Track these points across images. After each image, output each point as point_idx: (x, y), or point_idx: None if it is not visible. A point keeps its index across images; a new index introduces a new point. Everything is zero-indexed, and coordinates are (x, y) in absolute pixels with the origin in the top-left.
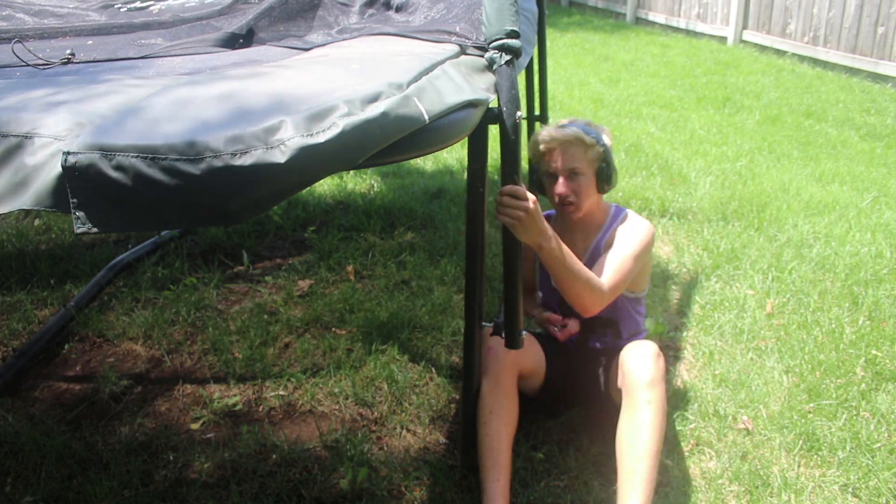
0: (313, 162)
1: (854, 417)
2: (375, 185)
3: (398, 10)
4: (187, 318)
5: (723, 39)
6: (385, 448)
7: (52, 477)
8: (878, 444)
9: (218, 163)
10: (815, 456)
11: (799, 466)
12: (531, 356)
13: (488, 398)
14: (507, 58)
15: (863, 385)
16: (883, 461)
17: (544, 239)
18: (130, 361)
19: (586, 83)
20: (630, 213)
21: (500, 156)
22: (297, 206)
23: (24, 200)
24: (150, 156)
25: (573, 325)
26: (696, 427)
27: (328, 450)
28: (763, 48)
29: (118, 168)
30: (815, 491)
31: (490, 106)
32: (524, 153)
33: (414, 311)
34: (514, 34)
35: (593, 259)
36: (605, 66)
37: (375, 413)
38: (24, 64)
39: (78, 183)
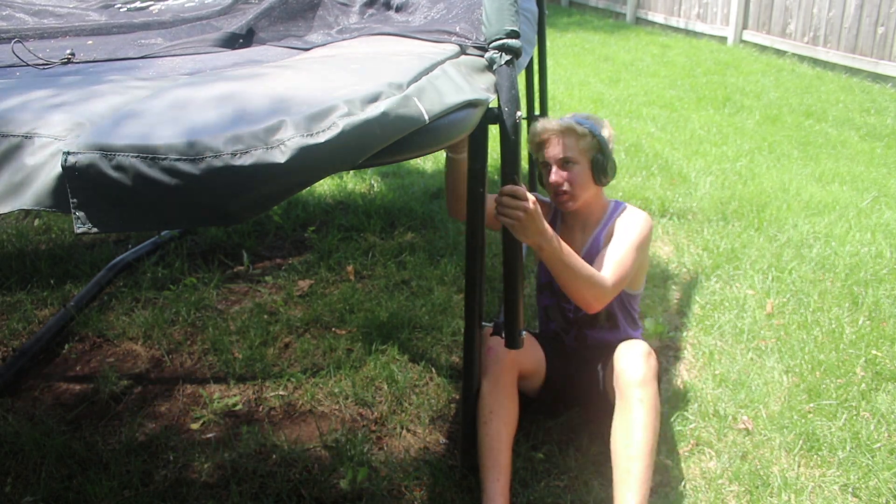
0: (313, 162)
1: (854, 417)
2: (375, 185)
3: (398, 10)
4: (187, 318)
5: (723, 39)
6: (385, 448)
7: (52, 477)
8: (878, 444)
9: (218, 163)
10: (815, 456)
11: (799, 466)
12: (531, 356)
13: (488, 398)
14: (507, 58)
15: (863, 385)
16: (883, 461)
17: (544, 239)
18: (130, 361)
19: (586, 83)
20: (628, 206)
21: (500, 156)
22: (297, 206)
23: (24, 200)
24: (150, 156)
25: None
26: (696, 427)
27: (328, 450)
28: (763, 48)
29: (118, 168)
30: (815, 491)
31: (490, 106)
32: (524, 153)
33: (414, 311)
34: (514, 34)
35: (592, 253)
36: (605, 66)
37: (375, 413)
38: (24, 64)
39: (78, 183)
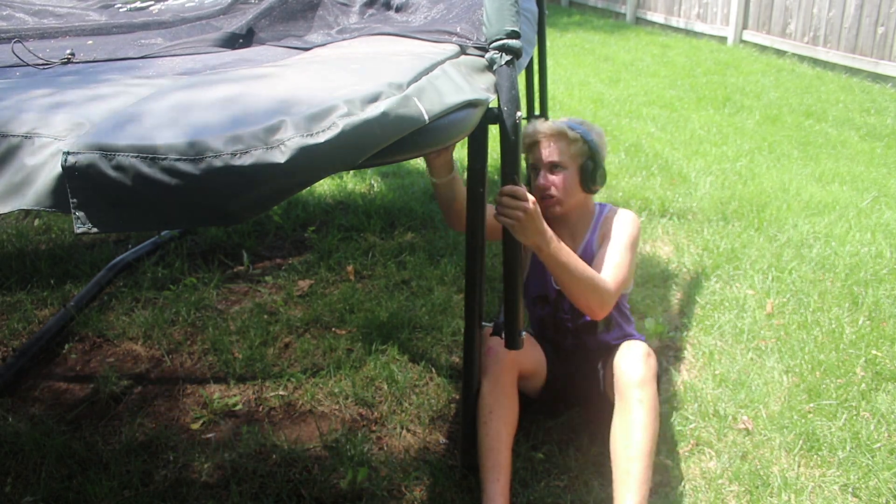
0: (313, 162)
1: (854, 417)
2: (375, 185)
3: (398, 10)
4: (187, 318)
5: (723, 39)
6: (385, 448)
7: (52, 477)
8: (878, 444)
9: (218, 163)
10: (815, 456)
11: (799, 466)
12: (531, 356)
13: (488, 398)
14: (508, 58)
15: (863, 385)
16: (883, 461)
17: (544, 240)
18: (130, 361)
19: (586, 83)
20: (612, 207)
21: (500, 156)
22: (297, 206)
23: (24, 200)
24: (150, 156)
25: None
26: (696, 427)
27: (328, 450)
28: (763, 48)
29: (118, 168)
30: (815, 491)
31: (490, 106)
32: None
33: (414, 311)
34: (514, 34)
35: (587, 258)
36: (605, 66)
37: (375, 413)
38: (24, 64)
39: (78, 183)
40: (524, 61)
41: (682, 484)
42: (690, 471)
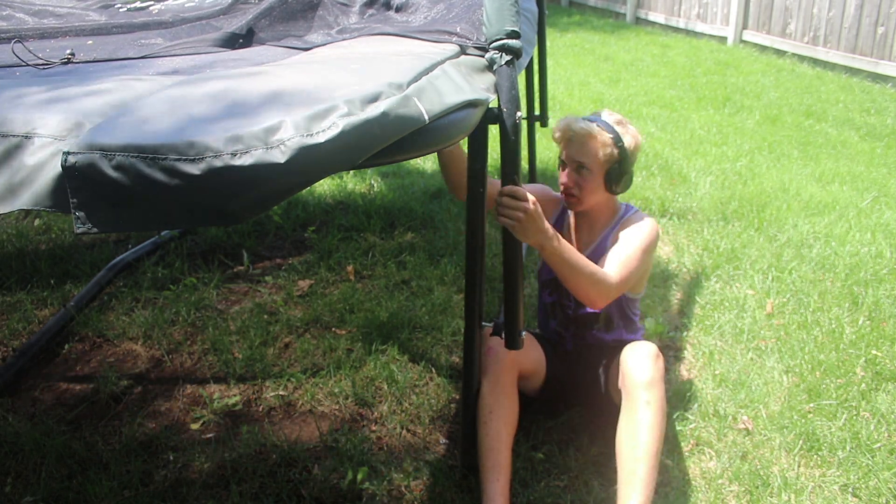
0: (313, 162)
1: (854, 417)
2: (375, 185)
3: (398, 10)
4: (187, 318)
5: (723, 39)
6: (385, 448)
7: (52, 477)
8: (878, 444)
9: (218, 163)
10: (815, 456)
11: (799, 466)
12: (531, 356)
13: (488, 398)
14: (508, 58)
15: (863, 385)
16: (883, 461)
17: (545, 239)
18: (130, 361)
19: (586, 83)
20: (637, 210)
21: (500, 156)
22: (297, 206)
23: (24, 200)
24: (150, 156)
25: None
26: (696, 427)
27: (328, 450)
28: (763, 48)
29: (118, 168)
30: (815, 491)
31: (490, 106)
32: (524, 153)
33: (414, 311)
34: (514, 34)
35: (599, 253)
36: (605, 66)
37: (375, 413)
38: (24, 64)
39: (78, 183)
40: (524, 61)
41: (682, 484)
42: (690, 471)
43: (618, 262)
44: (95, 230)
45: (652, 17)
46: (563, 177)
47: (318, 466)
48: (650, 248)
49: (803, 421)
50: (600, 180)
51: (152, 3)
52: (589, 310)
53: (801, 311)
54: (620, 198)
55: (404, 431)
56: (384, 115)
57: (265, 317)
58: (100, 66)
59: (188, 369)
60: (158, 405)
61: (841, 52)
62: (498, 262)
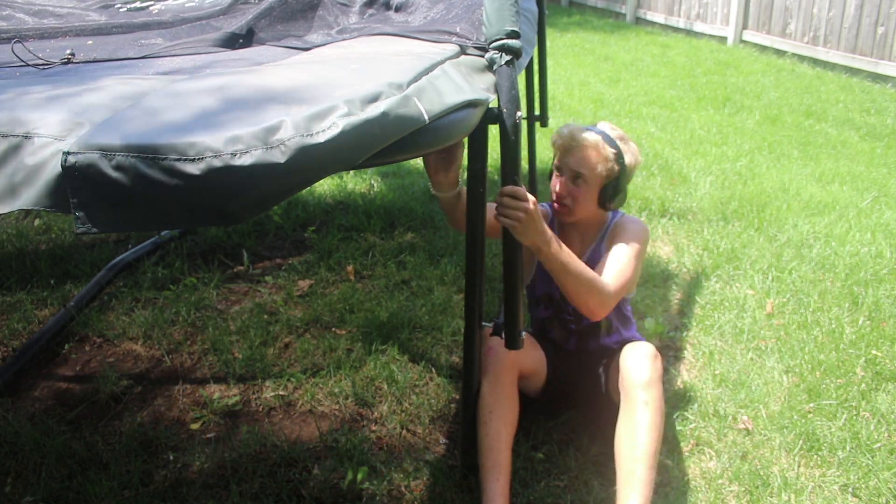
0: (313, 162)
1: (854, 417)
2: (375, 185)
3: (398, 10)
4: (187, 318)
5: (723, 39)
6: (385, 448)
7: (52, 477)
8: (878, 444)
9: (218, 163)
10: (815, 456)
11: (799, 466)
12: (531, 356)
13: (488, 398)
14: (508, 58)
15: (863, 385)
16: (883, 461)
17: (544, 241)
18: (130, 361)
19: (586, 83)
20: (624, 214)
21: (500, 156)
22: (297, 206)
23: (24, 200)
24: (150, 156)
25: None
26: (696, 427)
27: (328, 450)
28: (763, 48)
29: (118, 168)
30: (815, 491)
31: (490, 106)
32: (524, 153)
33: (414, 311)
34: (514, 34)
35: (594, 262)
36: (605, 66)
37: (375, 413)
38: (24, 64)
39: (78, 183)
40: (524, 61)
41: (682, 484)
42: (690, 471)
43: (614, 271)
44: (95, 230)
45: (652, 17)
46: (556, 184)
47: (318, 466)
48: (642, 252)
49: (803, 421)
50: (595, 194)
51: (152, 3)
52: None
53: (801, 311)
54: None
55: (404, 431)
56: (384, 115)
57: (265, 317)
58: (100, 66)
59: (188, 369)
60: (158, 405)
61: (841, 52)
62: (498, 262)
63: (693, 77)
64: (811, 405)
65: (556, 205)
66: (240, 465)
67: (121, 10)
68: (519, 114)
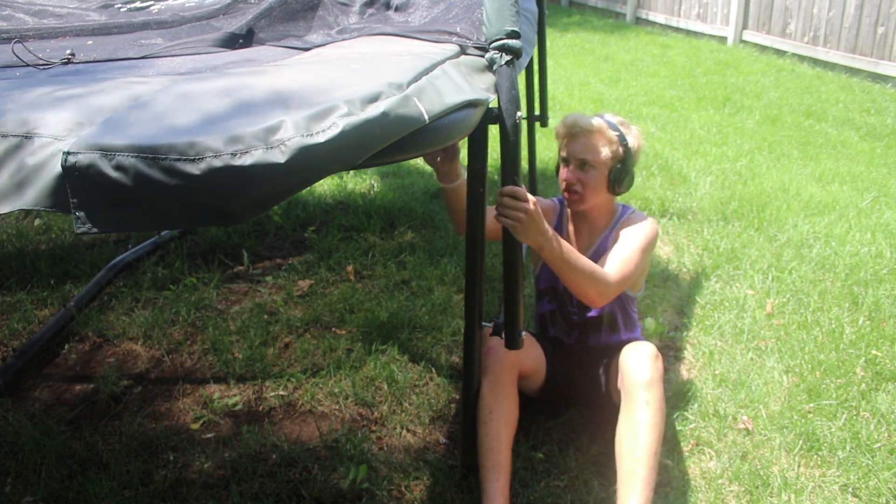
0: (313, 162)
1: (854, 417)
2: (375, 185)
3: (398, 10)
4: (187, 318)
5: (723, 39)
6: (385, 448)
7: (52, 477)
8: (878, 444)
9: (218, 163)
10: (815, 456)
11: (799, 466)
12: (531, 356)
13: (488, 398)
14: (508, 58)
15: (863, 385)
16: (883, 461)
17: (545, 239)
18: (130, 361)
19: (586, 83)
20: (635, 210)
21: (500, 156)
22: (297, 206)
23: (25, 200)
24: (150, 156)
25: None
26: (696, 427)
27: (328, 450)
28: (763, 48)
29: (118, 168)
30: (815, 491)
31: (490, 106)
32: (524, 153)
33: (414, 311)
34: (514, 34)
35: (599, 255)
36: (605, 66)
37: (375, 413)
38: (24, 64)
39: (78, 183)
40: (524, 61)
41: (682, 484)
42: (690, 471)
43: (617, 262)
44: (95, 230)
45: (652, 17)
46: (564, 174)
47: (318, 466)
48: (649, 248)
49: (803, 421)
50: (604, 178)
51: (152, 2)
52: (594, 313)
53: (801, 311)
54: (619, 199)
55: (404, 431)
56: (384, 115)
57: (265, 317)
58: (100, 66)
59: (188, 369)
60: (158, 405)
61: (841, 52)
62: (498, 262)
63: (693, 77)
64: (811, 405)
65: (566, 194)
66: (240, 465)
67: (121, 10)
68: (519, 114)
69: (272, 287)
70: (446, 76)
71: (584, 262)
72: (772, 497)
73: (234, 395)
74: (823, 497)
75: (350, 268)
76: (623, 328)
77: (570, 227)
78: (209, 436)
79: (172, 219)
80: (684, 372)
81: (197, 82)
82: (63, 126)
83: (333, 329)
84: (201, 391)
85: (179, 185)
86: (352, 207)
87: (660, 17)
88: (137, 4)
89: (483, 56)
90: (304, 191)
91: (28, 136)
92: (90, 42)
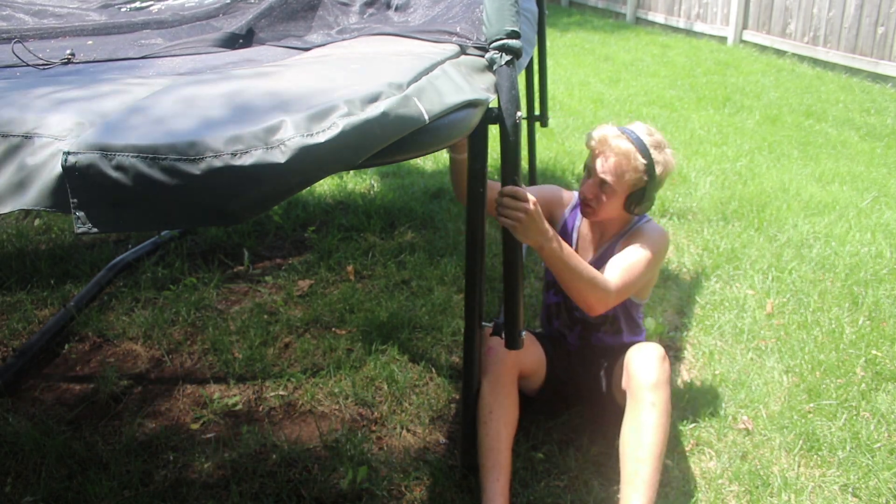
0: (313, 162)
1: (854, 417)
2: (375, 185)
3: (398, 10)
4: (187, 318)
5: (723, 39)
6: (385, 448)
7: (52, 477)
8: (878, 444)
9: (218, 163)
10: (815, 456)
11: (799, 466)
12: (531, 356)
13: (488, 398)
14: (508, 58)
15: (863, 385)
16: (883, 461)
17: (545, 239)
18: (130, 361)
19: (586, 83)
20: (651, 219)
21: (500, 156)
22: (297, 206)
23: (25, 200)
24: (150, 156)
25: None
26: (696, 427)
27: (328, 450)
28: (763, 48)
29: (118, 168)
30: (815, 491)
31: (490, 106)
32: (524, 153)
33: (414, 311)
34: (514, 34)
35: (605, 258)
36: (605, 66)
37: (375, 413)
38: (24, 64)
39: (78, 183)
40: (524, 61)
41: (683, 484)
42: (690, 471)
43: (620, 270)
44: (95, 230)
45: (652, 17)
46: (584, 185)
47: (318, 466)
48: (657, 259)
49: (803, 421)
50: (621, 201)
51: (152, 2)
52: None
53: (801, 311)
54: None
55: (404, 431)
56: (384, 115)
57: (265, 317)
58: (100, 66)
59: (188, 369)
60: (158, 405)
61: (841, 52)
62: (498, 262)
63: (693, 77)
64: (811, 405)
65: (582, 205)
66: (240, 465)
67: (121, 10)
68: (519, 114)
69: (272, 287)
70: (446, 76)
71: (585, 266)
72: (772, 497)
73: (234, 395)
74: (823, 497)
75: (350, 268)
76: (626, 331)
77: (584, 225)
78: (209, 436)
79: (172, 219)
80: (684, 372)
81: (196, 83)
82: (63, 126)
83: (333, 329)
84: (201, 391)
85: (179, 185)
86: (352, 207)
87: (660, 17)
88: (137, 4)
89: (483, 56)
90: (304, 191)
91: (28, 137)
92: (90, 42)
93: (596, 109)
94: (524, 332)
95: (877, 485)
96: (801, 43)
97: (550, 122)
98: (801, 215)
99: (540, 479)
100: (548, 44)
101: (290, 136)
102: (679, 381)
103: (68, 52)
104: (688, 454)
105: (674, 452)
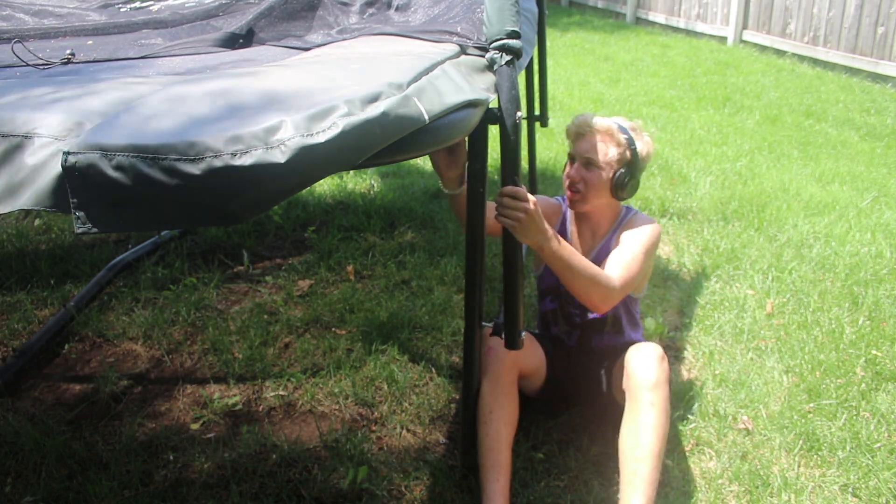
0: (313, 162)
1: (854, 417)
2: (375, 185)
3: (398, 9)
4: (187, 318)
5: (723, 39)
6: (385, 448)
7: (52, 477)
8: (878, 444)
9: (218, 163)
10: (815, 456)
11: (799, 466)
12: (531, 356)
13: (488, 398)
14: (508, 58)
15: (863, 385)
16: (883, 461)
17: (545, 239)
18: (130, 361)
19: (586, 83)
20: (638, 211)
21: (500, 156)
22: (297, 206)
23: (24, 200)
24: (150, 156)
25: None
26: (696, 427)
27: (328, 450)
28: (763, 48)
29: (118, 168)
30: (815, 491)
31: (490, 106)
32: (524, 153)
33: (414, 311)
34: (514, 34)
35: (601, 257)
36: (605, 66)
37: (375, 413)
38: (24, 64)
39: (78, 183)
40: (524, 61)
41: (683, 484)
42: (690, 471)
43: (620, 265)
44: (95, 230)
45: (652, 17)
46: (569, 171)
47: (318, 466)
48: (652, 250)
49: (803, 421)
50: (608, 181)
51: (152, 2)
52: (597, 315)
53: (801, 311)
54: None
55: (404, 431)
56: (384, 115)
57: (265, 317)
58: (100, 66)
59: (188, 369)
60: (158, 405)
61: (841, 52)
62: (498, 262)
63: (693, 77)
64: (811, 405)
65: (569, 192)
66: (240, 465)
67: (121, 9)
68: (519, 114)
69: (272, 287)
70: (446, 76)
71: (587, 264)
72: (772, 497)
73: (234, 395)
74: (823, 497)
75: (350, 268)
76: (628, 329)
77: (573, 228)
78: (209, 436)
79: (172, 219)
80: (684, 372)
81: (196, 82)
82: (63, 126)
83: (333, 329)
84: (201, 391)
85: (179, 185)
86: (352, 207)
87: (660, 17)
88: (137, 4)
89: (483, 56)
90: (304, 191)
91: (28, 136)
92: (90, 42)
93: (596, 109)
94: (524, 333)
95: (877, 485)
96: (801, 43)
97: (550, 122)
98: (801, 215)
99: (540, 479)
100: (548, 44)
101: (290, 136)
102: (679, 381)
103: (68, 52)
104: (688, 454)
105: (674, 452)
